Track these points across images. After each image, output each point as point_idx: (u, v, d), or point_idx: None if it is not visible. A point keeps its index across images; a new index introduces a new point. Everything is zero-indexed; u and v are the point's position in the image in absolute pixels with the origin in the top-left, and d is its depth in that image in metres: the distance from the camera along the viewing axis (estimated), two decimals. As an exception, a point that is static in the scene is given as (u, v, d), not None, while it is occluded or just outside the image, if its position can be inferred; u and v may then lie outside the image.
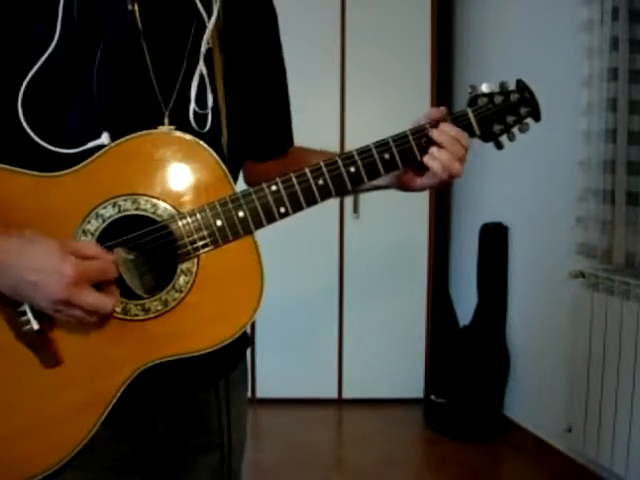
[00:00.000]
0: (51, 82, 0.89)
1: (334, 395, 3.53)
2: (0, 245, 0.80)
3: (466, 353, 3.20)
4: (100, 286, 0.83)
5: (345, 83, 3.39)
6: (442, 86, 3.53)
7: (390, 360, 3.49)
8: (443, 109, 1.00)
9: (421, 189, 1.03)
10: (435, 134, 0.97)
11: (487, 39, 3.35)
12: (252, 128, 1.06)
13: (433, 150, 0.97)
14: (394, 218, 3.39)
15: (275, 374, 3.45)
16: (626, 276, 2.38)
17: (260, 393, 3.46)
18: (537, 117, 1.02)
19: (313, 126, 3.28)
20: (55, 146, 0.89)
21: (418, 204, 3.39)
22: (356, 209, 3.39)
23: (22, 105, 0.88)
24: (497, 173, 3.17)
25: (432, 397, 3.23)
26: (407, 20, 3.37)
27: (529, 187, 2.96)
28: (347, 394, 3.53)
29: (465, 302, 3.46)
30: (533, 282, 3.02)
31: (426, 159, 0.97)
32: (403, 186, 1.04)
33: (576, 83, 2.52)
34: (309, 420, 3.35)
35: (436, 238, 3.52)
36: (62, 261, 0.79)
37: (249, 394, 3.88)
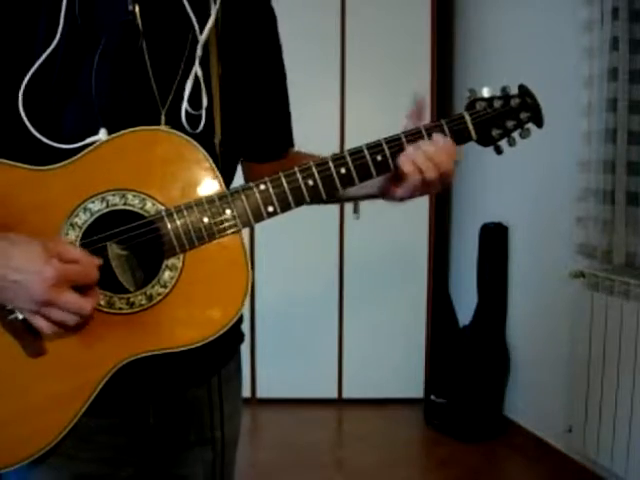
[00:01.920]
0: (51, 78, 0.91)
1: (334, 395, 3.53)
2: None
3: (466, 353, 3.19)
4: (81, 289, 0.83)
5: (345, 83, 3.39)
6: (442, 86, 3.53)
7: (390, 360, 3.48)
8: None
9: (401, 199, 1.01)
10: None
11: (487, 39, 3.35)
12: (251, 130, 1.07)
13: (408, 151, 0.95)
14: (394, 218, 3.39)
15: (275, 374, 3.45)
16: (626, 276, 2.38)
17: (260, 393, 3.46)
18: (539, 123, 1.00)
19: (313, 126, 3.28)
20: (54, 141, 0.90)
21: (418, 204, 3.37)
22: (356, 209, 3.39)
23: (23, 100, 0.89)
24: (497, 173, 3.17)
25: (432, 397, 3.23)
26: (407, 20, 3.36)
27: (529, 187, 2.96)
28: (347, 394, 3.53)
29: (465, 302, 3.46)
30: (533, 282, 3.02)
31: (398, 159, 0.95)
32: (386, 195, 1.03)
33: (576, 83, 2.52)
34: (309, 420, 3.35)
35: (436, 238, 3.52)
36: (44, 263, 0.80)
37: (249, 394, 3.85)
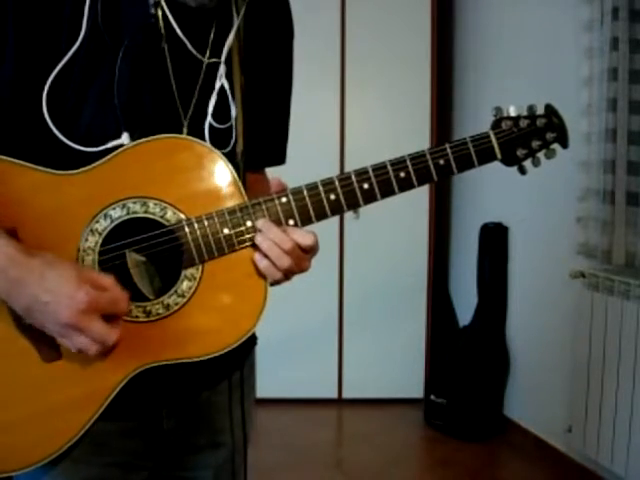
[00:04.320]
0: (74, 80, 0.90)
1: (334, 395, 3.53)
2: (24, 264, 0.81)
3: (466, 353, 3.20)
4: (107, 318, 0.83)
5: (345, 83, 3.39)
6: (442, 87, 3.53)
7: (390, 360, 3.49)
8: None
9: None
10: (260, 223, 0.90)
11: (487, 38, 3.35)
12: (253, 138, 1.06)
13: (258, 240, 0.90)
14: (394, 218, 3.39)
15: (275, 374, 3.45)
16: (626, 276, 2.38)
17: (260, 393, 3.42)
18: (564, 143, 0.98)
19: (313, 127, 3.28)
20: (76, 144, 0.90)
21: (418, 204, 3.39)
22: (356, 209, 3.39)
23: (47, 103, 0.89)
24: (497, 173, 3.17)
25: (432, 397, 3.23)
26: (408, 19, 3.36)
27: (529, 187, 2.96)
28: (347, 394, 3.53)
29: (465, 302, 3.46)
30: (533, 282, 3.02)
31: (256, 257, 0.91)
32: None
33: (576, 83, 2.52)
34: (309, 420, 3.35)
35: (436, 238, 3.52)
36: (77, 288, 0.79)
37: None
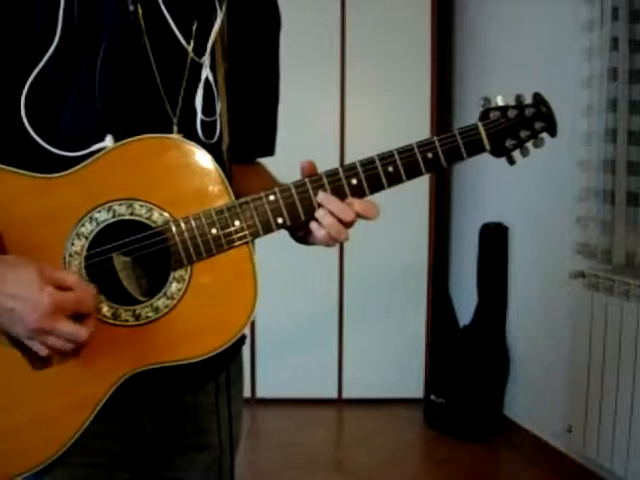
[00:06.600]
0: (51, 83, 0.89)
1: (334, 395, 3.53)
2: None
3: (466, 353, 3.19)
4: (78, 316, 0.82)
5: (345, 84, 3.38)
6: (442, 88, 3.53)
7: (390, 360, 3.48)
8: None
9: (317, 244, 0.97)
10: (320, 197, 0.90)
11: (487, 38, 3.35)
12: (240, 129, 1.05)
13: (320, 214, 0.90)
14: (394, 218, 3.38)
15: (275, 374, 3.45)
16: (626, 276, 2.38)
17: (260, 393, 3.46)
18: (553, 132, 0.97)
19: (313, 128, 3.28)
20: (57, 148, 0.88)
21: (418, 204, 3.39)
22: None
23: (25, 108, 0.88)
24: (497, 173, 3.17)
25: (432, 397, 3.22)
26: (407, 20, 3.36)
27: (529, 187, 2.96)
28: (347, 394, 3.52)
29: (465, 302, 3.46)
30: (533, 282, 3.01)
31: (313, 226, 0.92)
32: (302, 241, 0.98)
33: (576, 83, 2.52)
34: (309, 420, 3.34)
35: (436, 238, 3.52)
36: (40, 290, 0.79)
37: (249, 394, 3.82)
